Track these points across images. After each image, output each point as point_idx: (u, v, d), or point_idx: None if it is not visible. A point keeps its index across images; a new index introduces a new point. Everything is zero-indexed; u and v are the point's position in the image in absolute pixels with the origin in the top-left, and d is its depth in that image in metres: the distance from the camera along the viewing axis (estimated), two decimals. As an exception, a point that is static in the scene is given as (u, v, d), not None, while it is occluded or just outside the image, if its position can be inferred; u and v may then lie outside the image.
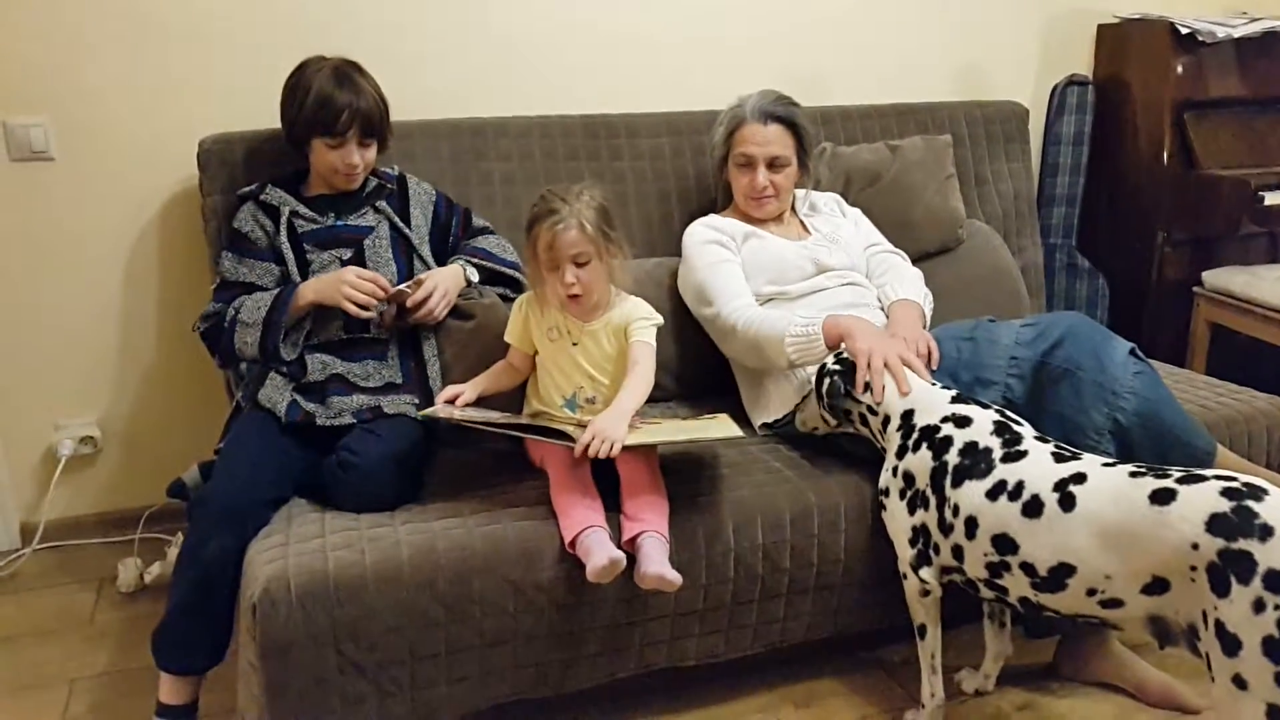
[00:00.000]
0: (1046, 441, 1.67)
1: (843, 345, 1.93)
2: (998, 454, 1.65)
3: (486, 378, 2.00)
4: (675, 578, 1.67)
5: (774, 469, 1.98)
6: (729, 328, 2.13)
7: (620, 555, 1.65)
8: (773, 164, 2.28)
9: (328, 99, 1.99)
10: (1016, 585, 1.61)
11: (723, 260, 2.22)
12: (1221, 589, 1.36)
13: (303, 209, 2.08)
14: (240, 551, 1.70)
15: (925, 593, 1.77)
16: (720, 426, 1.85)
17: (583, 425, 1.87)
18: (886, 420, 1.83)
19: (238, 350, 1.98)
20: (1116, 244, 3.20)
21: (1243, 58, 3.07)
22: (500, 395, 2.01)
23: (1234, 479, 1.43)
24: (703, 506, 1.84)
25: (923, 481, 1.73)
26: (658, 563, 1.67)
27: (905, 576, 1.79)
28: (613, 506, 1.79)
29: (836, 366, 1.89)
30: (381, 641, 1.62)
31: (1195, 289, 3.06)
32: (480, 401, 1.95)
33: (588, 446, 1.72)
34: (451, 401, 1.91)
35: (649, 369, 1.93)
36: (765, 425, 2.16)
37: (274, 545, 1.67)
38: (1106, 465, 1.57)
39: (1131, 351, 1.87)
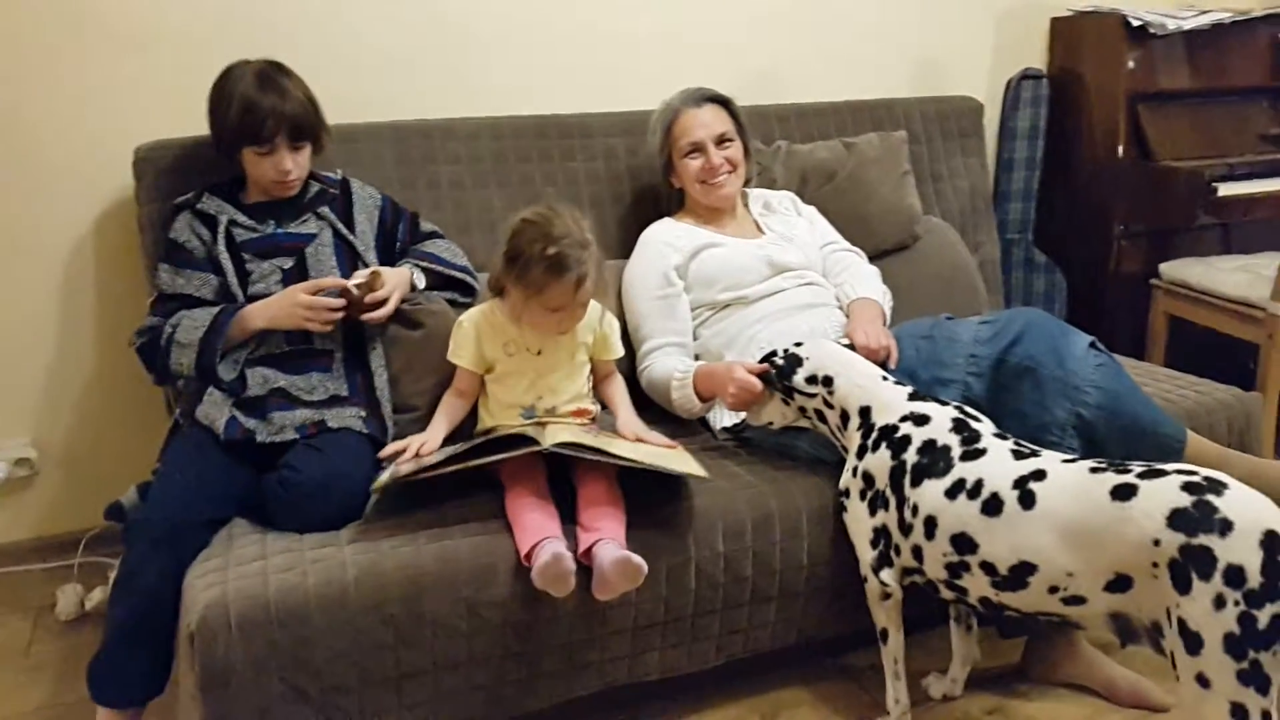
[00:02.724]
0: (1006, 438, 1.65)
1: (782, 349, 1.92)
2: (956, 452, 1.63)
3: (444, 418, 1.92)
4: (640, 560, 1.61)
5: (734, 474, 1.94)
6: (640, 372, 2.17)
7: (565, 553, 1.60)
8: (720, 142, 2.28)
9: (252, 105, 1.92)
10: (976, 585, 1.59)
11: (660, 296, 2.20)
12: (1183, 585, 1.34)
13: (241, 217, 2.01)
14: (178, 576, 1.63)
15: (886, 595, 1.74)
16: (680, 459, 1.81)
17: (541, 424, 1.82)
18: (845, 418, 1.79)
19: (174, 370, 1.91)
20: (1074, 238, 3.20)
21: (1193, 50, 3.08)
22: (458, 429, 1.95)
23: (1195, 473, 1.42)
24: (661, 515, 1.79)
25: (882, 481, 1.70)
26: (614, 550, 1.62)
27: (866, 579, 1.76)
28: (569, 519, 1.73)
29: (780, 362, 1.87)
30: (327, 668, 1.56)
31: (1153, 281, 3.06)
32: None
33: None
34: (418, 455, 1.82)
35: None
36: (725, 429, 2.12)
37: (213, 569, 1.60)
38: (1066, 461, 1.55)
39: (1091, 344, 1.85)
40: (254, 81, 1.94)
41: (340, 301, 1.91)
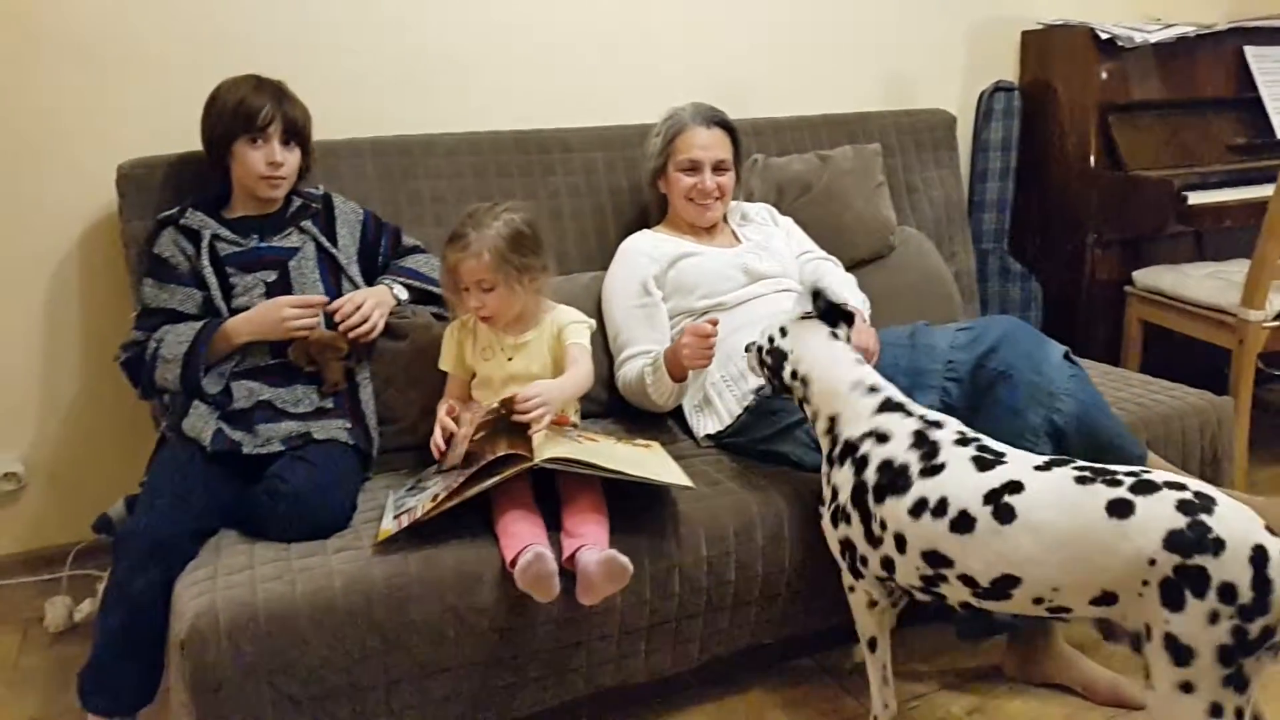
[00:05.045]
0: (967, 444, 1.58)
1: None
2: (915, 469, 1.58)
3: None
4: (625, 560, 1.63)
5: (716, 480, 1.96)
6: (617, 377, 2.20)
7: (549, 555, 1.62)
8: (717, 167, 2.31)
9: (245, 99, 1.99)
10: (956, 593, 1.57)
11: (639, 305, 2.23)
12: (1175, 603, 1.33)
13: (224, 231, 2.03)
14: (167, 586, 1.65)
15: (872, 604, 1.74)
16: (660, 464, 1.83)
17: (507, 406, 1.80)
18: (817, 417, 1.78)
19: (159, 384, 1.93)
20: (1048, 247, 3.24)
21: (1161, 61, 3.14)
22: None
23: (1185, 488, 1.39)
24: (644, 522, 1.81)
25: (845, 497, 1.68)
26: (598, 552, 1.64)
27: (851, 590, 1.76)
28: (554, 526, 1.75)
29: (768, 359, 1.84)
30: (316, 675, 1.57)
31: (1126, 288, 3.11)
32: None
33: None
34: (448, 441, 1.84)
35: (588, 366, 1.95)
36: (708, 436, 2.14)
37: (201, 579, 1.62)
38: (1039, 468, 1.50)
39: (1066, 355, 1.88)
40: (250, 82, 2.02)
41: (324, 299, 1.96)
